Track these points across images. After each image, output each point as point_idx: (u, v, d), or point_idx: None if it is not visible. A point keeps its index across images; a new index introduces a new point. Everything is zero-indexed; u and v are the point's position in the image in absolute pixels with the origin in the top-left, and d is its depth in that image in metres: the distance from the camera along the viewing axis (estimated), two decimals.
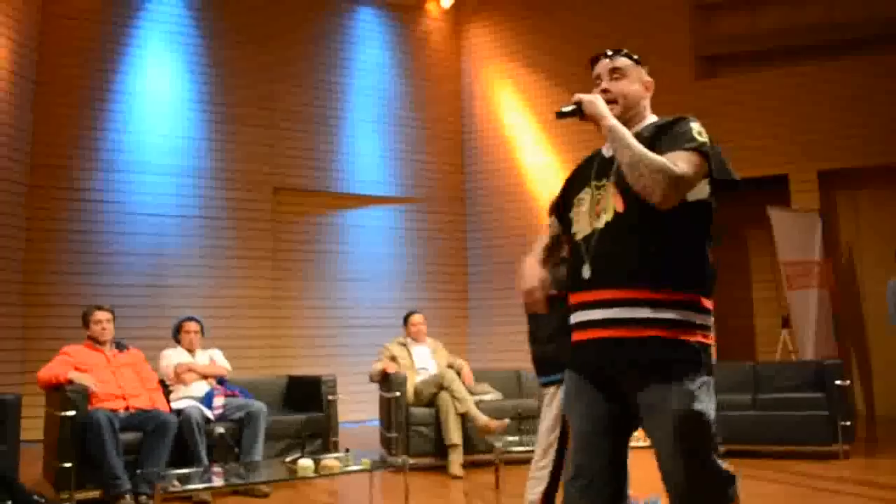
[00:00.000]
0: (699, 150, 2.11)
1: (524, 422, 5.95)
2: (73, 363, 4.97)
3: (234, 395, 5.45)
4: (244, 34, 9.04)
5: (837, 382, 6.01)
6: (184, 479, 3.92)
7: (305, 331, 9.07)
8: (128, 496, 4.59)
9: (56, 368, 4.91)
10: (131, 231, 8.18)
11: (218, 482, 4.00)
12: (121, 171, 8.22)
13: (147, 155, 8.36)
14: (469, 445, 5.76)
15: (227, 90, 8.85)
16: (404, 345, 6.34)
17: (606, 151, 2.28)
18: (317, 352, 8.96)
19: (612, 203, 2.15)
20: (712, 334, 2.14)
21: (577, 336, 2.19)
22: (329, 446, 5.61)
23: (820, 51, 8.95)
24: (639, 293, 2.06)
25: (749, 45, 9.25)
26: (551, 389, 3.76)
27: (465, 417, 5.70)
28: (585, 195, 2.27)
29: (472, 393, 5.93)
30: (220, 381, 5.54)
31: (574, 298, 2.21)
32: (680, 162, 2.05)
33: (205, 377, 5.47)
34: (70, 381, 4.81)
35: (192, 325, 5.66)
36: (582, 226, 2.23)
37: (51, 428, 4.97)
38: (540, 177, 9.81)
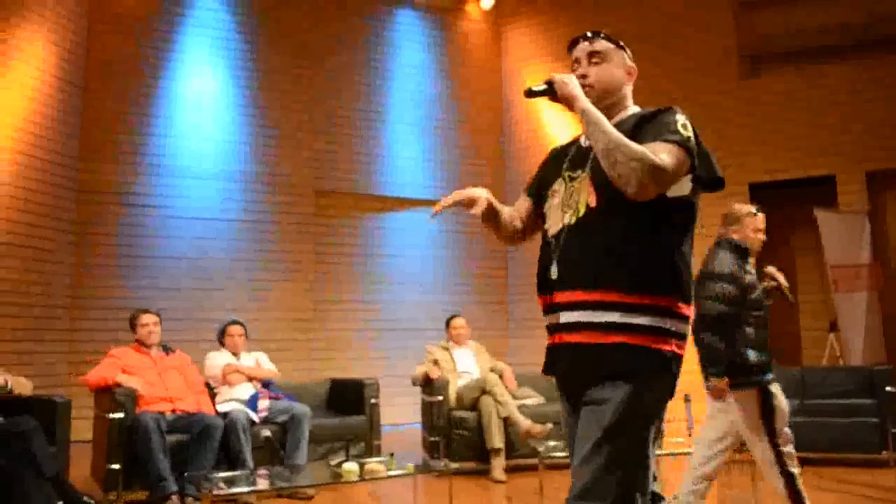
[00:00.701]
0: (682, 143, 1.93)
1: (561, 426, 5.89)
2: (120, 366, 5.06)
3: (277, 398, 5.50)
4: (286, 40, 9.12)
5: (888, 388, 5.87)
6: (230, 482, 3.95)
7: (347, 333, 9.11)
8: (174, 497, 4.65)
9: (104, 371, 5.00)
10: (176, 234, 8.30)
11: (263, 485, 4.03)
12: (165, 176, 8.35)
13: (191, 159, 8.48)
14: (511, 450, 5.73)
15: (270, 95, 8.94)
16: (447, 348, 6.33)
17: (585, 141, 2.12)
18: (359, 354, 8.99)
19: (585, 197, 2.00)
20: (686, 343, 1.98)
21: (548, 341, 2.07)
22: (371, 450, 5.63)
23: (866, 48, 8.74)
24: (609, 295, 1.90)
25: (793, 44, 9.08)
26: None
27: (507, 422, 5.68)
28: (559, 187, 2.12)
29: (514, 397, 5.90)
30: (265, 384, 5.59)
31: (542, 300, 2.06)
32: (661, 152, 1.88)
33: (250, 379, 5.53)
34: (118, 384, 4.89)
35: (237, 329, 5.72)
36: (553, 221, 2.09)
37: (99, 429, 5.06)
38: None
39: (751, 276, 3.75)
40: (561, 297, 1.99)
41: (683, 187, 1.98)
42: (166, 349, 5.37)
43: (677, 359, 1.94)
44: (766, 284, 3.95)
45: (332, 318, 9.06)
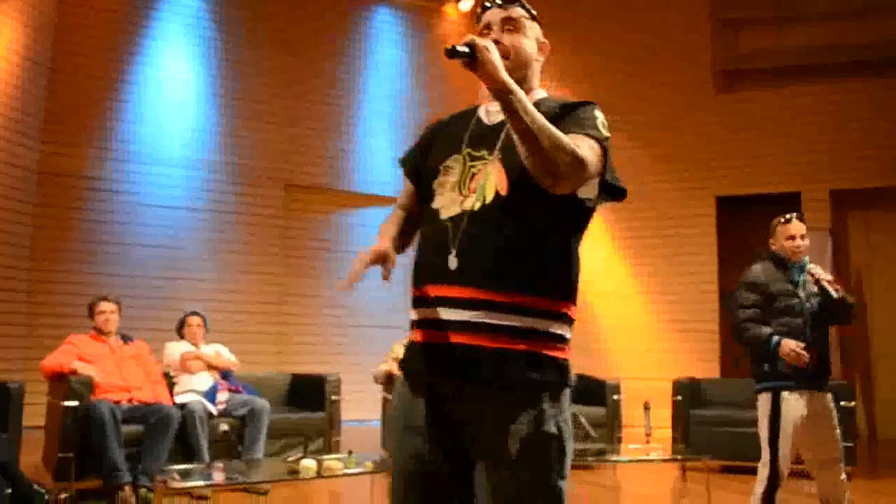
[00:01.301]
0: (603, 142, 1.79)
1: None
2: (77, 353, 4.96)
3: (237, 391, 5.44)
4: (262, 31, 9.03)
5: (843, 404, 5.95)
6: (184, 475, 3.90)
7: (313, 328, 9.04)
8: (127, 488, 4.57)
9: (60, 358, 4.90)
10: (141, 222, 8.17)
11: (219, 479, 3.97)
12: (132, 162, 8.21)
13: (160, 147, 8.35)
14: None
15: (243, 85, 8.85)
16: None
17: (488, 118, 1.92)
18: (323, 349, 8.93)
19: (495, 182, 1.78)
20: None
21: (422, 336, 1.79)
22: (330, 446, 5.60)
23: (838, 70, 8.89)
24: (511, 296, 1.72)
25: (770, 62, 9.21)
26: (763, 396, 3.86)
27: None
28: (455, 164, 1.88)
29: None
30: (224, 375, 5.53)
31: (426, 290, 1.80)
32: (583, 146, 1.71)
33: (210, 368, 5.46)
34: (74, 371, 4.80)
35: (196, 319, 5.65)
36: (447, 202, 1.84)
37: (53, 417, 4.96)
38: None
39: (782, 285, 3.85)
40: (456, 291, 1.74)
41: (591, 189, 1.82)
42: (125, 338, 5.29)
43: (569, 365, 1.81)
44: (814, 286, 3.90)
45: (298, 313, 8.99)
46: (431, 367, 1.77)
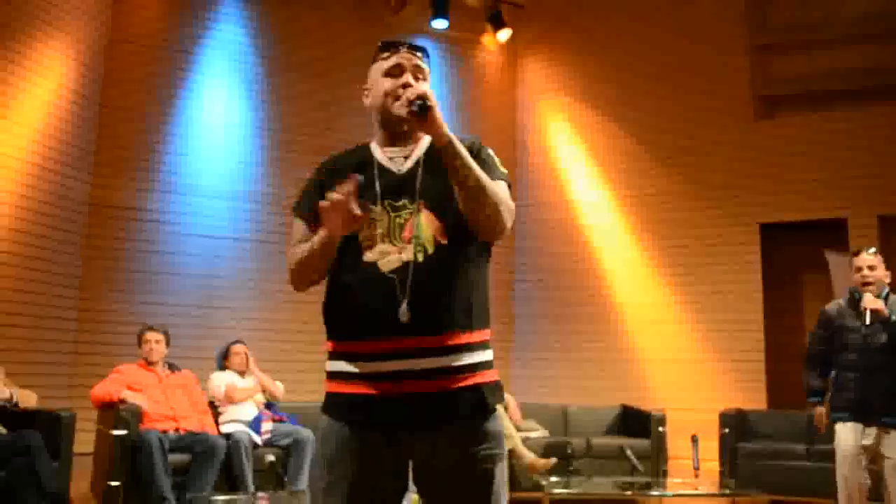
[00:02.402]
0: (508, 182, 1.94)
1: (572, 461, 5.85)
2: (125, 382, 5.04)
3: (281, 421, 5.47)
4: (301, 63, 9.19)
5: None
6: None
7: None
8: None
9: (109, 386, 4.99)
10: (186, 252, 8.30)
11: None
12: (177, 193, 8.37)
13: (203, 178, 8.51)
14: (515, 483, 5.66)
15: (283, 117, 8.99)
16: None
17: (395, 165, 1.95)
18: None
19: (431, 233, 1.83)
20: None
21: (370, 389, 1.80)
22: None
23: (882, 93, 8.75)
24: (461, 337, 1.82)
25: (809, 86, 9.11)
26: None
27: (511, 454, 5.62)
28: (379, 216, 1.87)
29: (518, 429, 5.85)
30: (268, 405, 5.56)
31: (375, 345, 1.81)
32: (505, 192, 1.88)
33: (263, 392, 5.51)
34: (123, 400, 4.87)
35: (241, 348, 5.71)
36: (381, 254, 1.84)
37: (101, 445, 5.03)
38: (593, 212, 9.74)
39: (850, 320, 3.95)
40: (407, 342, 1.78)
41: None
42: (172, 367, 5.36)
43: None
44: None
45: None
46: (385, 417, 1.80)
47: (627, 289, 9.40)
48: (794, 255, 8.49)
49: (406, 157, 1.98)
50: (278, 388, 5.70)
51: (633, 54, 9.69)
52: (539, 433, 6.07)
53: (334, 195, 1.73)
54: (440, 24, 9.75)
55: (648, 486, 5.44)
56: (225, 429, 5.23)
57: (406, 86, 1.93)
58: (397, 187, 1.91)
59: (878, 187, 8.47)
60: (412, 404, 1.78)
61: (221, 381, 5.52)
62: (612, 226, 9.61)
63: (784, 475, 5.86)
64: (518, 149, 10.36)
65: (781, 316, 8.82)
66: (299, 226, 2.01)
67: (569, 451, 5.87)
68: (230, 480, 4.94)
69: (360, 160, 2.02)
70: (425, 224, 1.85)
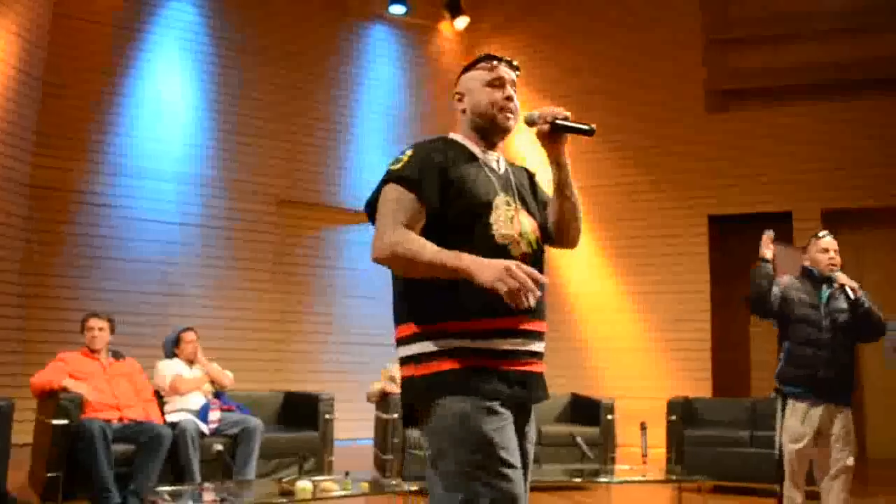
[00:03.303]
0: None
1: None
2: (67, 370, 4.90)
3: (229, 410, 5.39)
4: (257, 46, 9.03)
5: None
6: (175, 496, 3.85)
7: (307, 346, 8.99)
8: None
9: (50, 375, 4.85)
10: (134, 237, 8.12)
11: (210, 500, 3.92)
12: (126, 176, 8.17)
13: (153, 161, 8.31)
14: None
15: (237, 100, 8.83)
16: None
17: (496, 165, 2.12)
18: (317, 367, 8.87)
19: (531, 231, 2.05)
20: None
21: (514, 366, 1.94)
22: (324, 466, 5.54)
23: (831, 90, 8.96)
24: (547, 328, 2.07)
25: (761, 82, 9.27)
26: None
27: None
28: (501, 204, 2.02)
29: None
30: (217, 394, 5.47)
31: (514, 322, 1.93)
32: None
33: (211, 382, 5.41)
34: (64, 389, 4.74)
35: (191, 336, 5.59)
36: (509, 241, 1.99)
37: (41, 435, 4.89)
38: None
39: (805, 295, 4.03)
40: (535, 325, 1.99)
41: None
42: (116, 355, 5.23)
43: None
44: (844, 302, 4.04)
45: (291, 330, 8.93)
46: (520, 392, 1.96)
47: (579, 278, 9.48)
48: (741, 248, 8.63)
49: (497, 162, 2.15)
50: (228, 377, 5.60)
51: (589, 47, 9.75)
52: None
53: (530, 284, 1.76)
54: (398, 9, 9.69)
55: (597, 473, 5.50)
56: (171, 418, 5.12)
57: (508, 98, 2.10)
58: (504, 185, 2.08)
59: (823, 182, 8.67)
60: (532, 381, 1.99)
61: (168, 370, 5.40)
62: None
63: (728, 461, 5.99)
64: None
65: (728, 307, 9.01)
66: (410, 201, 1.96)
67: None
68: (176, 471, 4.85)
69: (468, 154, 2.10)
70: (527, 222, 2.05)
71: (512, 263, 1.77)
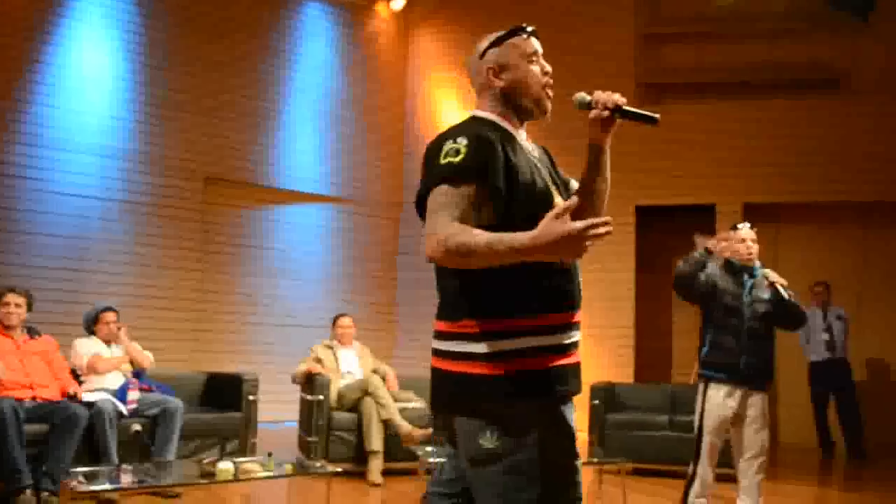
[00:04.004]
0: None
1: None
2: None
3: (149, 390, 5.27)
4: (187, 18, 8.76)
5: None
6: (91, 478, 3.74)
7: (231, 326, 8.83)
8: (28, 492, 4.37)
9: None
10: (52, 211, 7.80)
11: (127, 482, 3.83)
12: (44, 147, 7.83)
13: (74, 133, 7.99)
14: (390, 453, 5.70)
15: (165, 73, 8.55)
16: (330, 347, 6.25)
17: (530, 146, 2.06)
18: (243, 348, 8.74)
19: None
20: None
21: (567, 360, 1.95)
22: (247, 447, 5.48)
23: (754, 89, 9.24)
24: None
25: (691, 78, 9.49)
26: None
27: (387, 424, 5.64)
28: (553, 191, 2.03)
29: (396, 400, 5.88)
30: (136, 374, 5.34)
31: (564, 317, 1.95)
32: None
33: (130, 362, 5.28)
34: None
35: (111, 315, 5.44)
36: None
37: None
38: None
39: (730, 285, 4.16)
40: (579, 316, 2.00)
41: None
42: (31, 332, 5.05)
43: None
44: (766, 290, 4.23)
45: (216, 310, 8.76)
46: (577, 384, 1.99)
47: None
48: (666, 238, 8.88)
49: (529, 143, 2.10)
50: (148, 358, 5.47)
51: None
52: (416, 404, 6.11)
53: (602, 229, 1.66)
54: None
55: None
56: (88, 398, 4.97)
57: (550, 76, 2.10)
58: (545, 170, 2.06)
59: (745, 176, 8.96)
60: (580, 372, 2.01)
61: (86, 349, 5.24)
62: None
63: (648, 444, 6.18)
64: (407, 119, 10.32)
65: (652, 295, 9.25)
66: (469, 194, 1.85)
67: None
68: (92, 452, 4.72)
69: (511, 137, 2.01)
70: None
71: (567, 226, 1.65)
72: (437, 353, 1.95)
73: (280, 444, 6.55)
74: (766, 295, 4.15)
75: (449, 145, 1.89)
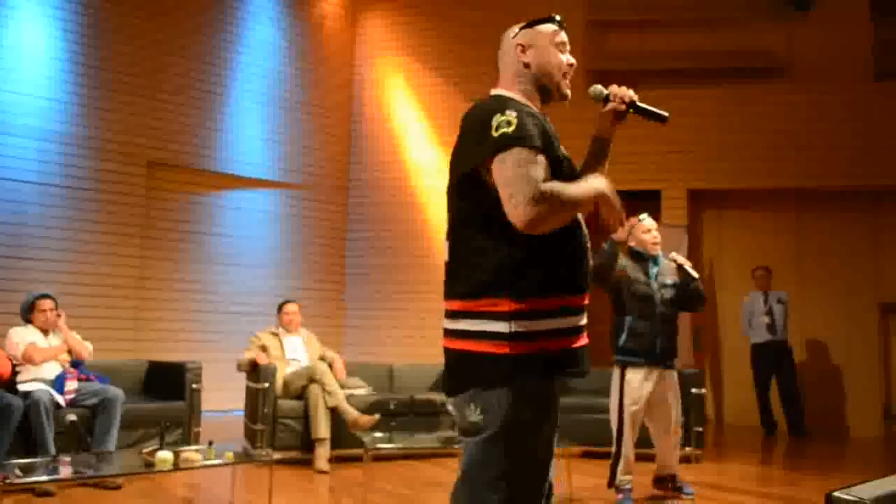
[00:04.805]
0: None
1: (395, 418, 5.92)
2: None
3: (88, 380, 5.13)
4: None
5: (694, 391, 6.32)
6: (27, 470, 3.63)
7: (175, 314, 8.66)
8: None
9: None
10: None
11: (65, 474, 3.73)
12: None
13: (9, 115, 7.70)
14: (337, 440, 5.66)
15: (105, 54, 8.30)
16: (276, 334, 6.17)
17: (554, 131, 2.09)
18: (187, 337, 8.58)
19: None
20: None
21: (581, 342, 2.01)
22: (190, 437, 5.38)
23: (700, 76, 9.39)
24: None
25: (634, 64, 9.59)
26: None
27: (334, 412, 5.60)
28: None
29: (343, 387, 5.84)
30: (74, 364, 5.19)
31: (580, 300, 2.01)
32: None
33: (68, 351, 5.13)
34: None
35: (48, 303, 5.27)
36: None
37: None
38: (426, 174, 9.81)
39: (639, 274, 4.47)
40: (588, 299, 2.05)
41: None
42: None
43: None
44: (669, 277, 4.54)
45: (160, 297, 8.58)
46: (584, 364, 2.01)
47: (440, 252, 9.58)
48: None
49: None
50: (87, 348, 5.32)
51: (471, 19, 9.78)
52: (363, 390, 6.08)
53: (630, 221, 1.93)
54: None
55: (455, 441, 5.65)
56: (23, 388, 4.83)
57: (571, 66, 2.16)
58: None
59: (690, 163, 9.10)
60: (588, 354, 2.04)
61: (21, 338, 5.08)
62: (445, 186, 9.72)
63: (594, 427, 6.25)
64: (354, 104, 10.23)
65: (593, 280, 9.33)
66: (544, 162, 1.93)
67: (391, 408, 5.94)
68: (28, 444, 4.59)
69: (541, 117, 2.06)
70: None
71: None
72: (452, 332, 1.96)
73: (227, 432, 6.47)
74: (670, 280, 4.48)
75: (498, 118, 1.91)
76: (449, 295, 1.99)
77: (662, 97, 9.25)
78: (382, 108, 10.14)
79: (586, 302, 2.02)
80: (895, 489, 1.49)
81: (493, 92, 2.13)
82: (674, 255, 4.56)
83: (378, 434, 5.27)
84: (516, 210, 1.82)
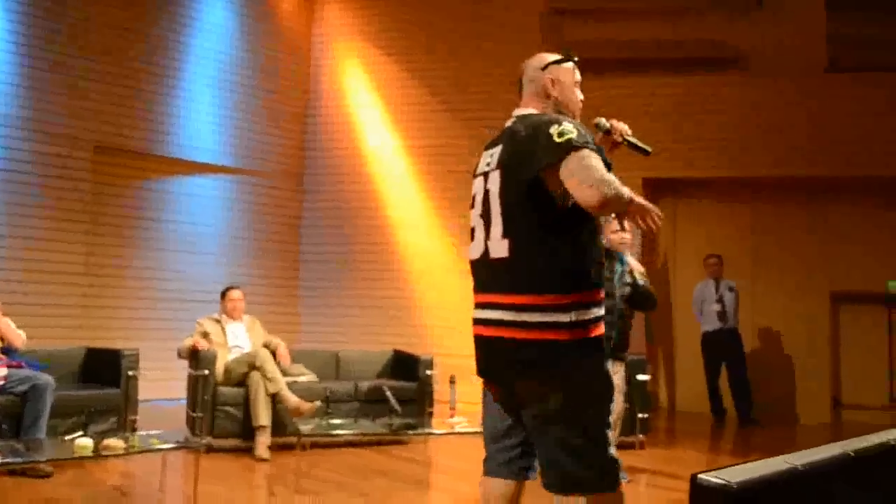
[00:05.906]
0: None
1: (333, 405, 5.88)
2: None
3: (18, 367, 5.02)
4: None
5: (639, 377, 6.35)
6: None
7: (125, 301, 8.51)
8: None
9: None
10: None
11: None
12: None
13: None
14: (279, 428, 5.60)
15: (51, 35, 8.09)
16: (218, 321, 6.10)
17: None
18: (136, 325, 8.42)
19: None
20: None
21: (601, 331, 2.31)
22: (126, 425, 5.29)
23: (657, 66, 9.38)
24: None
25: (592, 53, 9.53)
26: None
27: (275, 399, 5.54)
28: None
29: (285, 374, 5.78)
30: (5, 350, 5.08)
31: (599, 295, 2.34)
32: None
33: (1, 339, 5.02)
34: None
35: None
36: None
37: None
38: (382, 161, 9.73)
39: (605, 271, 4.50)
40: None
41: None
42: None
43: None
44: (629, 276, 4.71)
45: (106, 284, 8.43)
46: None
47: (412, 237, 9.54)
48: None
49: None
50: (20, 337, 5.18)
51: (430, 6, 9.71)
52: (307, 378, 6.02)
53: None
54: None
55: (412, 427, 5.64)
56: None
57: (581, 101, 2.63)
58: None
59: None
60: None
61: None
62: (401, 174, 9.67)
63: None
64: (311, 91, 10.11)
65: None
66: (602, 160, 2.26)
67: (328, 395, 5.89)
68: None
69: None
70: None
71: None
72: (513, 324, 2.24)
73: (171, 421, 6.38)
74: (628, 279, 4.68)
75: (556, 128, 2.26)
76: (508, 289, 2.26)
77: (619, 86, 9.28)
78: (339, 93, 10.04)
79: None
80: (764, 473, 1.47)
81: (527, 111, 2.48)
82: (629, 259, 4.76)
83: (318, 421, 5.23)
84: (589, 190, 2.14)
